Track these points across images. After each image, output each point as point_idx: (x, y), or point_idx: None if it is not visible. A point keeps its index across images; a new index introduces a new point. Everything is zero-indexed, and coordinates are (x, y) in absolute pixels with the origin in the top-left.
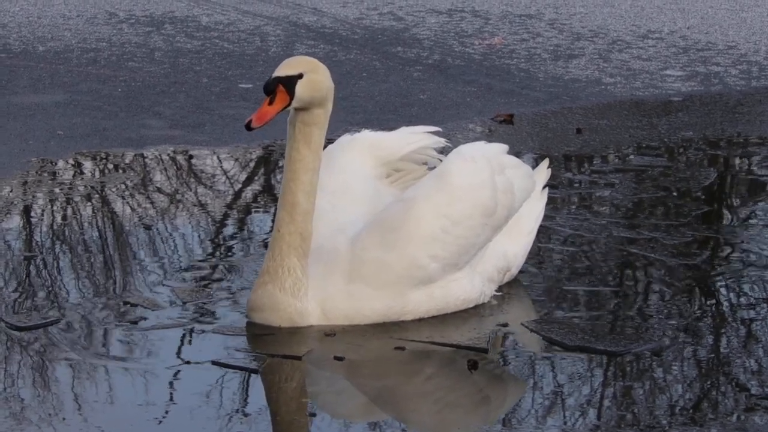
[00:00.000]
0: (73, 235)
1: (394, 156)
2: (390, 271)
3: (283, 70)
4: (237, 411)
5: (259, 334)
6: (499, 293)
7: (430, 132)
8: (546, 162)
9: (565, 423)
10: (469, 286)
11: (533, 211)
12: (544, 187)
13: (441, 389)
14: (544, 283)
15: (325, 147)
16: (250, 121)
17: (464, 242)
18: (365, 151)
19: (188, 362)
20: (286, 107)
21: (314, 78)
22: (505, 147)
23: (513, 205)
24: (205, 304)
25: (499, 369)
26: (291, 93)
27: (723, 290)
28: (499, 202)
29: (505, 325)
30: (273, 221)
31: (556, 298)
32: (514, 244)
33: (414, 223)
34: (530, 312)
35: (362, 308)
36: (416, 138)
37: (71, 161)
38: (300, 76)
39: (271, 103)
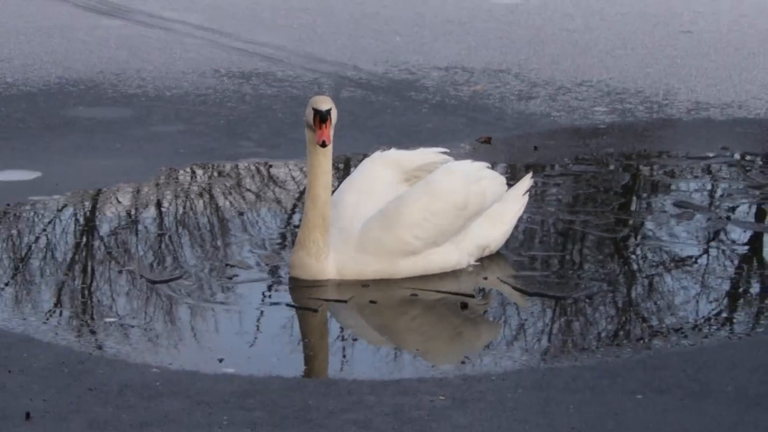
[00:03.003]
0: (189, 219)
1: (410, 166)
2: (385, 245)
3: (324, 104)
4: (305, 338)
5: (317, 286)
6: (478, 263)
7: (440, 152)
8: (530, 175)
9: (526, 345)
10: (446, 257)
11: (513, 208)
12: (525, 193)
13: (441, 323)
14: (513, 251)
15: (361, 161)
16: (324, 141)
17: (442, 228)
18: (390, 162)
19: (269, 304)
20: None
21: (335, 110)
22: (485, 164)
23: (484, 203)
24: (280, 266)
25: (481, 308)
26: (331, 118)
27: (633, 256)
28: (470, 202)
29: (486, 278)
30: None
31: (521, 261)
32: (494, 230)
33: (404, 213)
34: (504, 270)
35: (364, 270)
36: (428, 156)
37: (188, 170)
38: (330, 108)
39: (326, 126)
